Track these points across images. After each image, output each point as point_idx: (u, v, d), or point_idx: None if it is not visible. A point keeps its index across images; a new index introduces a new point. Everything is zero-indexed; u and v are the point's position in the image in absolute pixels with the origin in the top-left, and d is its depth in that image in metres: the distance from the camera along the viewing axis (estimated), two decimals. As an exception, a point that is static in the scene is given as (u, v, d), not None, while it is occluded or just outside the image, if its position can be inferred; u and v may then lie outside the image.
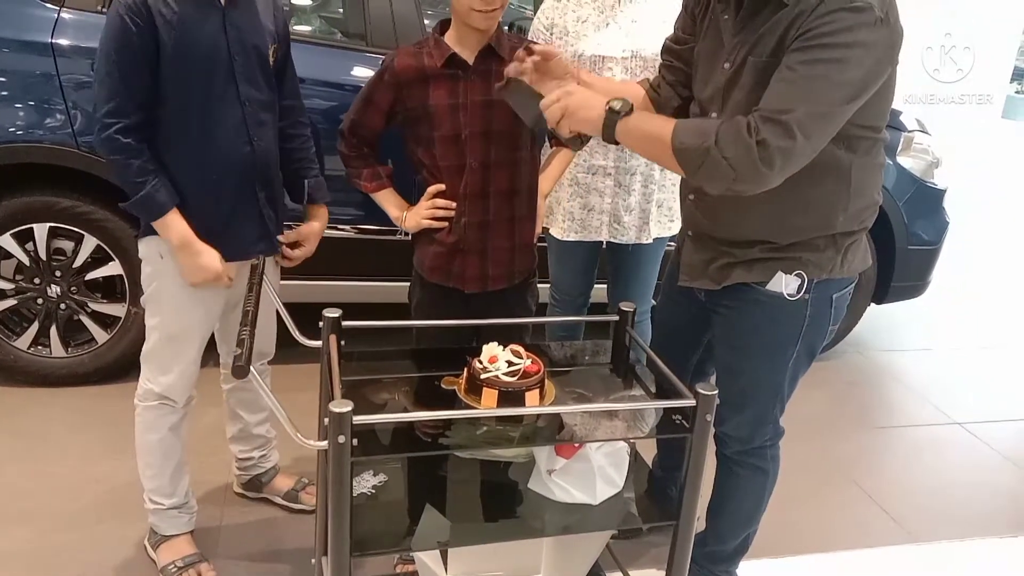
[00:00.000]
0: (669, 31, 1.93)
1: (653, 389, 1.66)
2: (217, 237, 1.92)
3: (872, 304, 3.75)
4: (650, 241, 2.52)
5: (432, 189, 1.99)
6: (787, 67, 1.46)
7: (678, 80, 1.88)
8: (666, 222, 2.55)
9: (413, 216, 2.03)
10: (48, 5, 2.70)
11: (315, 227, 2.15)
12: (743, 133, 1.46)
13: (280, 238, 2.08)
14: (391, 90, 1.96)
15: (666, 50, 1.91)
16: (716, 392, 1.40)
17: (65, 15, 2.70)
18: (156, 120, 1.83)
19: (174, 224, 1.86)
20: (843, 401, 3.52)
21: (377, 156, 2.09)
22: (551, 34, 2.40)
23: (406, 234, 2.11)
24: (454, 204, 1.98)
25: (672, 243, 2.22)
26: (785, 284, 1.71)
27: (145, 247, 1.96)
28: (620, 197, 2.45)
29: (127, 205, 1.85)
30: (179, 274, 1.92)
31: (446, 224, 2.00)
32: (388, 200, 2.09)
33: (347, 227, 3.02)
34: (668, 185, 2.52)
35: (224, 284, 1.96)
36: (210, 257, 1.90)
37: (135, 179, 1.81)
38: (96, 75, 1.81)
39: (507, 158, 1.98)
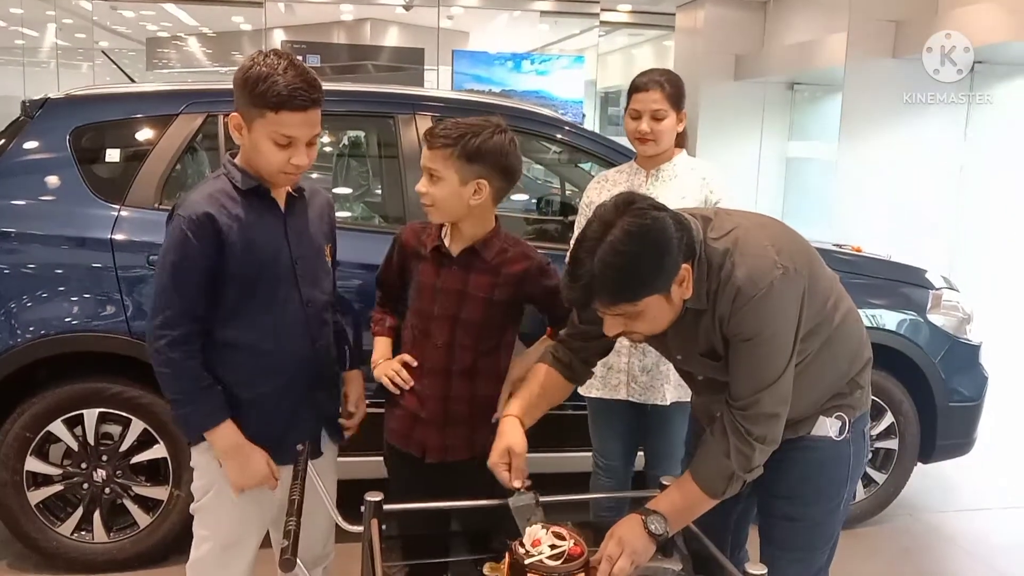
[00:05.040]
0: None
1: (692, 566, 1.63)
2: (272, 443, 1.89)
3: (919, 464, 3.65)
4: (667, 403, 2.52)
5: (405, 357, 2.10)
6: (737, 358, 1.65)
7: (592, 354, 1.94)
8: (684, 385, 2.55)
9: (381, 368, 2.14)
10: (110, 204, 2.90)
11: (358, 390, 2.16)
12: (746, 448, 1.64)
13: (341, 421, 2.11)
14: (399, 255, 2.15)
15: (577, 335, 1.91)
16: (765, 572, 1.38)
17: (124, 212, 2.90)
18: (222, 327, 1.84)
19: (223, 432, 1.84)
20: (900, 569, 3.37)
21: (396, 308, 2.24)
22: (590, 210, 2.53)
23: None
24: (412, 382, 2.08)
25: None
26: (830, 427, 1.80)
27: (200, 455, 1.92)
28: (636, 357, 2.50)
29: (174, 420, 1.86)
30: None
31: (397, 391, 2.09)
32: (378, 346, 2.22)
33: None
34: None
35: (272, 485, 1.91)
36: (259, 460, 1.88)
37: (176, 394, 1.83)
38: (155, 284, 1.84)
39: (472, 344, 2.06)
